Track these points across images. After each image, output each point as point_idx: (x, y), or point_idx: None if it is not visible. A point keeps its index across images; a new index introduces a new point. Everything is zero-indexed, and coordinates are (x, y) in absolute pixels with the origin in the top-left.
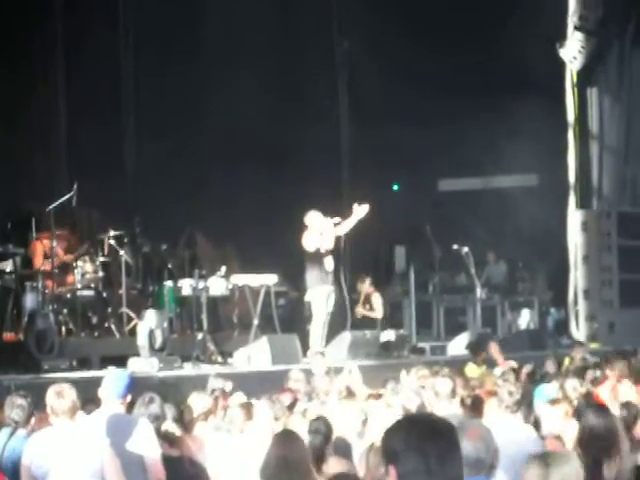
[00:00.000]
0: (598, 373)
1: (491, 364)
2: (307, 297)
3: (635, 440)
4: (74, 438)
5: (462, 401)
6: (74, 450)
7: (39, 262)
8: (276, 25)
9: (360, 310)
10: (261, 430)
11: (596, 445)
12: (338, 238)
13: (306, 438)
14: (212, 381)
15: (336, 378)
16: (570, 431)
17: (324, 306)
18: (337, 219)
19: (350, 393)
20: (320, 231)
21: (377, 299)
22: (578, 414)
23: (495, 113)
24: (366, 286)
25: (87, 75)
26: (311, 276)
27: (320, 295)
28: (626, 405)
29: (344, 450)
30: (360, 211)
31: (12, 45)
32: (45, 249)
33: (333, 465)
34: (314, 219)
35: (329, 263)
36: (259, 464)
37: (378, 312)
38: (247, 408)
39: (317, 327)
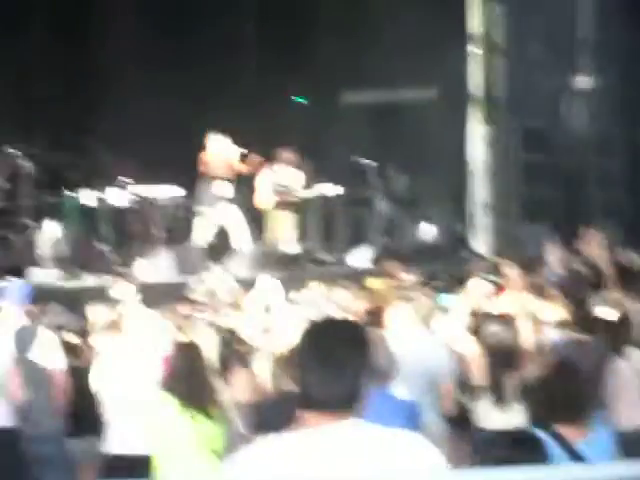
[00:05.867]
0: (497, 285)
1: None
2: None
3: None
4: None
5: (365, 312)
6: None
7: None
8: None
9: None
10: (159, 339)
11: (499, 355)
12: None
13: (212, 348)
14: (113, 289)
15: (248, 292)
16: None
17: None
18: (244, 151)
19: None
20: (219, 154)
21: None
22: (479, 326)
23: (393, 25)
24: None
25: None
26: (208, 195)
27: (220, 212)
28: (524, 315)
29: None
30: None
31: None
32: None
33: (238, 375)
34: (214, 141)
35: (228, 185)
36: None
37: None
38: (144, 317)
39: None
